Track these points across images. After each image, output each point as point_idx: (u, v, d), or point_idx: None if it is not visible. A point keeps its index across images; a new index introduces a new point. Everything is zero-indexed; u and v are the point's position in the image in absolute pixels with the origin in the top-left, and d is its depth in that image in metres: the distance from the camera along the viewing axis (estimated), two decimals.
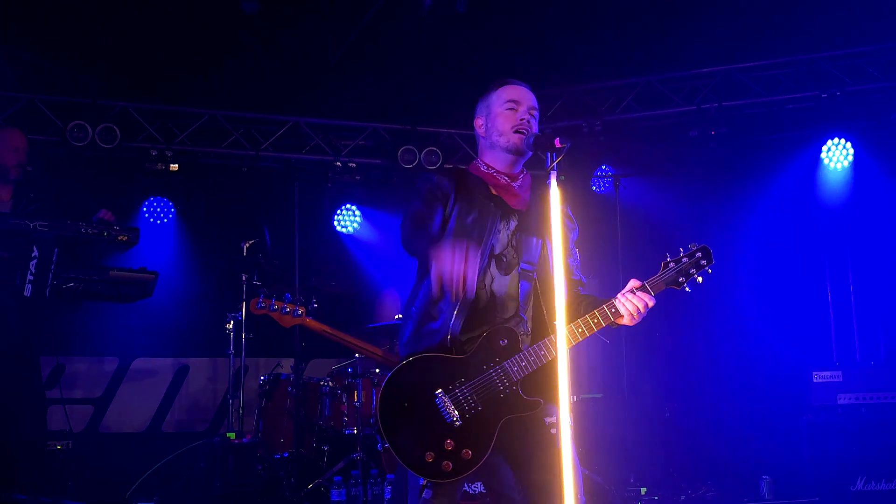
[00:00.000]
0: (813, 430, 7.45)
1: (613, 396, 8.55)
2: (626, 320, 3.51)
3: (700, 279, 3.60)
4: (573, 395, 7.46)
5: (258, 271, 8.03)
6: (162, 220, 9.48)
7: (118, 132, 8.56)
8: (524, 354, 3.47)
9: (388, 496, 6.81)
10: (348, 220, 10.18)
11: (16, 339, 6.12)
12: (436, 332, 3.51)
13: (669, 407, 8.99)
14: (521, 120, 3.61)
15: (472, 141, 9.62)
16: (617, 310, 3.50)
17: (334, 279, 9.07)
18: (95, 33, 7.98)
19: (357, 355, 7.74)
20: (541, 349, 3.47)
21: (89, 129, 8.47)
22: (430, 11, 7.45)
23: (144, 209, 9.42)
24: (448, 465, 3.40)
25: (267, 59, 8.56)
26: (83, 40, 8.08)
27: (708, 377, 8.86)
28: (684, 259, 3.59)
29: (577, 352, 8.10)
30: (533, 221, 3.66)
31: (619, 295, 3.53)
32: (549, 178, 3.12)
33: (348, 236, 10.18)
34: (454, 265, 3.18)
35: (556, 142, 3.20)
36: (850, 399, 7.50)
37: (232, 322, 7.80)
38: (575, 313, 3.60)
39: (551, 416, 3.52)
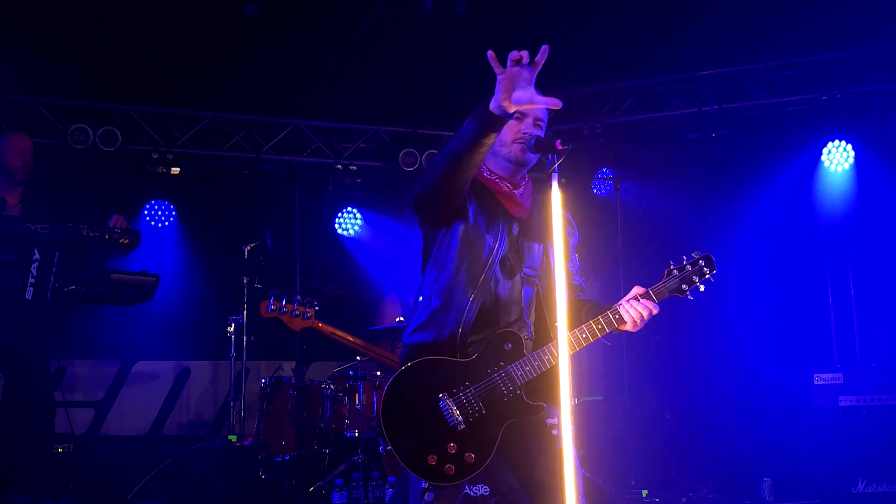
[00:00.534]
0: (814, 432, 7.45)
1: (614, 399, 8.55)
2: (629, 327, 3.54)
3: (702, 287, 3.62)
4: (574, 397, 7.46)
5: (259, 274, 8.03)
6: (163, 222, 9.49)
7: (119, 135, 8.57)
8: (528, 359, 3.48)
9: (389, 498, 6.81)
10: (349, 222, 10.19)
11: (23, 342, 6.12)
12: (447, 323, 3.50)
13: (670, 409, 8.99)
14: (524, 134, 3.57)
15: None
16: (621, 316, 3.52)
17: (335, 282, 9.08)
18: (96, 36, 7.99)
19: (359, 358, 7.75)
20: (545, 354, 3.48)
21: (90, 132, 8.48)
22: (430, 14, 7.46)
23: (146, 212, 9.43)
24: (451, 468, 3.40)
25: (268, 61, 8.57)
26: (84, 43, 8.09)
27: (708, 379, 8.86)
28: (688, 267, 3.62)
29: (578, 354, 8.06)
30: (535, 227, 3.66)
31: (622, 301, 3.55)
32: (550, 180, 3.12)
33: (349, 239, 10.19)
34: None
35: (557, 144, 3.20)
36: (850, 401, 7.50)
37: (233, 325, 7.80)
38: (575, 318, 3.61)
39: (553, 418, 3.52)
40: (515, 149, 3.58)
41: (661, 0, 7.96)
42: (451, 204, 3.51)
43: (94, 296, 6.19)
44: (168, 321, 8.98)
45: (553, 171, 3.15)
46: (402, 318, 8.10)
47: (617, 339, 8.21)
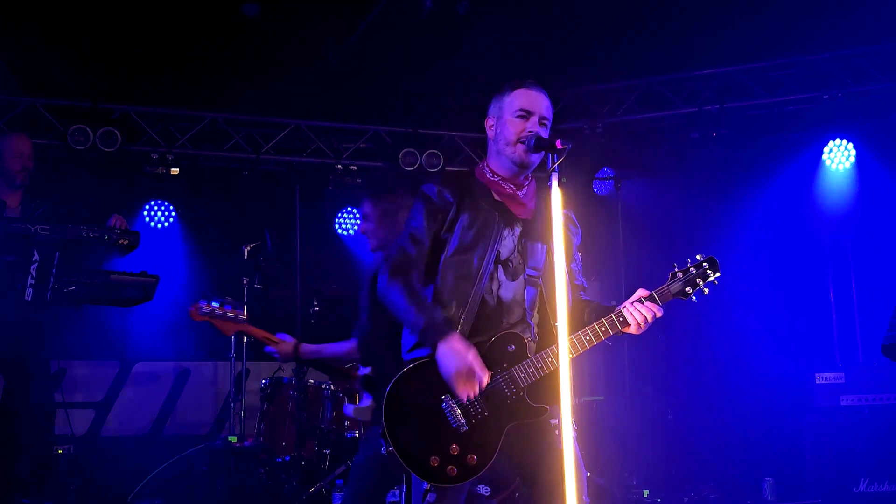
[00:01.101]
0: (815, 432, 7.45)
1: (615, 399, 8.55)
2: (632, 329, 3.53)
3: (706, 290, 3.62)
4: (575, 397, 7.45)
5: (259, 274, 8.02)
6: (163, 223, 9.49)
7: (119, 136, 8.56)
8: (531, 361, 3.46)
9: (391, 499, 6.80)
10: (350, 222, 10.17)
11: (22, 343, 6.12)
12: None
13: (671, 409, 8.97)
14: (529, 132, 3.55)
15: (473, 143, 9.66)
16: (624, 319, 3.51)
17: (336, 282, 9.05)
18: (96, 37, 7.98)
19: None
20: (548, 356, 3.46)
21: (90, 133, 8.47)
22: (431, 13, 7.44)
23: (145, 213, 9.42)
24: (453, 469, 3.39)
25: (268, 61, 8.56)
26: (84, 44, 8.08)
27: (710, 379, 8.85)
28: (692, 269, 3.61)
29: (578, 355, 8.08)
30: (538, 228, 3.64)
31: (626, 303, 3.53)
32: (550, 179, 3.11)
33: (350, 239, 10.18)
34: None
35: (558, 143, 3.20)
36: (852, 400, 7.49)
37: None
38: (578, 319, 3.60)
39: (558, 419, 3.50)
40: (520, 149, 3.55)
41: None
42: None
43: (93, 296, 6.18)
44: (168, 322, 8.95)
45: (553, 170, 3.14)
46: None
47: (618, 340, 8.11)
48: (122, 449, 8.84)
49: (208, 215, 9.59)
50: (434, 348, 3.36)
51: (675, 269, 3.62)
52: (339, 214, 10.15)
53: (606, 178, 9.37)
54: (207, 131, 9.28)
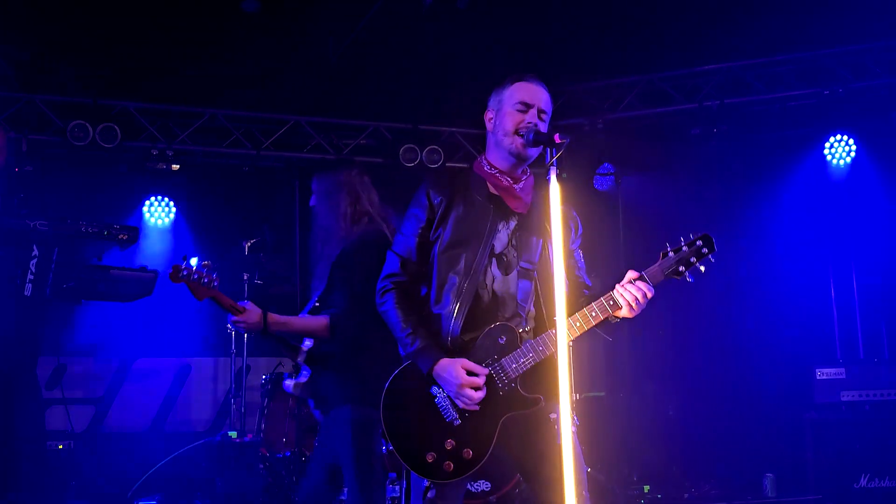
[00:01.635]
0: (816, 428, 7.45)
1: (616, 394, 8.54)
2: (624, 312, 3.48)
3: (703, 268, 3.55)
4: (575, 393, 7.45)
5: (259, 270, 8.03)
6: (163, 219, 9.48)
7: (119, 132, 8.54)
8: (522, 351, 3.46)
9: (391, 494, 6.80)
10: None
11: (14, 340, 6.10)
12: (436, 332, 3.52)
13: (672, 405, 8.98)
14: (528, 124, 3.55)
15: (473, 139, 9.64)
16: (615, 301, 3.47)
17: None
18: (96, 33, 7.97)
19: None
20: (538, 345, 3.46)
21: (90, 129, 8.45)
22: (431, 9, 7.43)
23: (145, 208, 9.41)
24: (449, 465, 3.39)
25: (267, 57, 8.55)
26: (84, 40, 8.07)
27: (711, 375, 8.85)
28: (684, 248, 3.56)
29: (579, 350, 8.06)
30: (534, 221, 3.63)
31: (617, 286, 3.51)
32: (548, 173, 3.10)
33: None
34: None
35: (556, 137, 3.18)
36: (853, 396, 7.49)
37: None
38: (574, 309, 3.59)
39: (557, 414, 3.49)
40: (518, 142, 3.54)
41: None
42: None
43: (93, 292, 6.18)
44: (168, 318, 8.96)
45: (552, 164, 3.13)
46: None
47: (619, 335, 8.20)
48: (123, 445, 8.85)
49: (208, 211, 9.58)
50: (427, 371, 3.44)
51: (668, 249, 3.59)
52: None
53: (607, 175, 9.37)
54: (207, 127, 9.26)
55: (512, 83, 3.66)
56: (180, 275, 4.31)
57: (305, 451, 7.55)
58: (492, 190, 3.65)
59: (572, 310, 3.49)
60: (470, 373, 3.40)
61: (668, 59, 8.93)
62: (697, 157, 9.15)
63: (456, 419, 3.42)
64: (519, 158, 3.60)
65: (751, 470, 7.89)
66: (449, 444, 3.40)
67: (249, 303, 4.45)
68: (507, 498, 6.78)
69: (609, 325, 3.60)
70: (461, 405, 3.40)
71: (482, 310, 3.51)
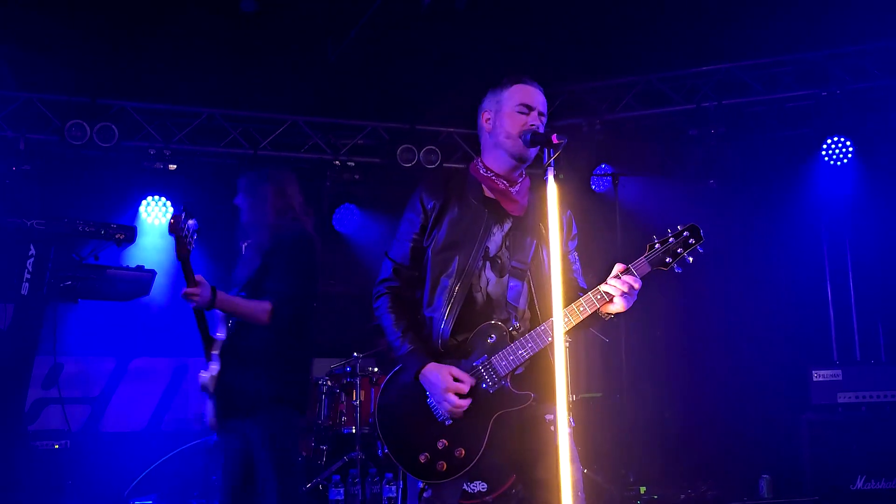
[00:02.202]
0: (812, 429, 7.45)
1: (613, 395, 8.54)
2: (616, 305, 3.48)
3: (690, 259, 3.56)
4: (572, 394, 7.46)
5: None
6: (160, 219, 9.46)
7: (116, 131, 8.54)
8: (511, 349, 3.47)
9: (388, 494, 6.81)
10: (347, 218, 10.16)
11: (16, 338, 6.11)
12: (427, 336, 3.54)
13: (669, 406, 8.98)
14: (532, 125, 3.56)
15: (471, 140, 9.63)
16: (602, 295, 3.47)
17: (333, 278, 9.06)
18: (94, 32, 7.96)
19: (356, 353, 7.74)
20: (527, 342, 3.46)
21: (88, 129, 8.45)
22: (429, 9, 7.43)
23: (142, 208, 9.40)
24: (443, 464, 3.40)
25: (265, 57, 8.54)
26: (81, 40, 8.06)
27: (707, 376, 8.84)
28: (671, 239, 3.57)
29: (576, 351, 8.09)
30: (529, 223, 3.64)
31: (608, 279, 3.50)
32: (546, 174, 3.10)
33: (347, 235, 10.16)
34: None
35: (554, 138, 3.19)
36: (849, 398, 7.49)
37: (230, 321, 7.77)
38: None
39: (552, 414, 3.50)
40: (519, 143, 3.55)
41: None
42: None
43: (90, 291, 6.18)
44: (165, 317, 8.93)
45: (549, 165, 3.13)
46: None
47: (616, 336, 8.19)
48: (119, 444, 8.83)
49: (206, 211, 9.54)
50: (414, 375, 3.48)
51: (655, 240, 3.59)
52: (337, 211, 10.13)
53: (604, 175, 9.36)
54: (205, 127, 9.26)
55: (511, 85, 3.67)
56: (178, 229, 4.30)
57: (302, 451, 7.54)
58: (487, 193, 3.65)
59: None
60: (456, 379, 3.41)
61: (666, 60, 8.93)
62: (695, 157, 9.14)
63: (448, 419, 3.43)
64: (520, 160, 3.60)
65: (747, 471, 7.88)
66: (441, 443, 3.41)
67: (202, 277, 4.48)
68: (503, 499, 6.78)
69: (604, 325, 3.59)
70: (444, 411, 3.42)
71: (475, 312, 3.52)
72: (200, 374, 4.61)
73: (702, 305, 8.71)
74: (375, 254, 9.89)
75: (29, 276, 5.76)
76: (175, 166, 8.98)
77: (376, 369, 7.83)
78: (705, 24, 8.16)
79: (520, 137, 3.54)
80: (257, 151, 9.27)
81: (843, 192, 8.86)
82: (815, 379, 7.57)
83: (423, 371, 3.44)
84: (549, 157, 3.15)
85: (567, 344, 3.46)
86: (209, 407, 4.53)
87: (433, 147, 9.38)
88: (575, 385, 7.81)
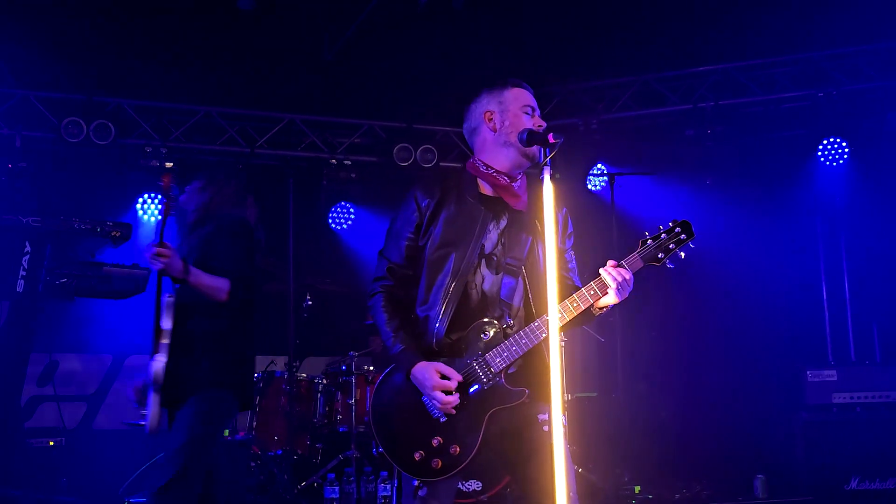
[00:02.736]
0: (807, 429, 7.46)
1: (608, 395, 8.55)
2: (609, 297, 3.49)
3: (682, 254, 3.57)
4: (567, 393, 7.46)
5: None
6: (156, 216, 9.46)
7: (113, 129, 8.53)
8: (505, 345, 3.47)
9: (382, 493, 6.81)
10: (343, 217, 10.16)
11: (5, 336, 6.10)
12: (421, 334, 3.55)
13: (664, 405, 8.99)
14: (539, 127, 3.57)
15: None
16: (596, 291, 3.48)
17: (329, 277, 9.06)
18: (90, 30, 7.96)
19: (351, 352, 7.74)
20: (521, 338, 3.47)
21: (84, 126, 8.44)
22: (426, 9, 7.44)
23: (139, 205, 9.39)
24: (437, 462, 3.40)
25: (262, 55, 8.54)
26: (78, 37, 8.06)
27: (702, 376, 8.86)
28: (663, 235, 3.58)
29: (571, 350, 8.09)
30: (526, 220, 3.64)
31: (600, 270, 3.51)
32: (542, 173, 3.11)
33: (343, 234, 10.17)
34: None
35: (550, 137, 3.19)
36: (844, 398, 7.51)
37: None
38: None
39: (545, 415, 3.50)
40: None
41: None
42: None
43: (86, 288, 6.17)
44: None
45: (545, 164, 3.13)
46: None
47: (611, 336, 8.20)
48: (114, 441, 8.81)
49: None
50: (405, 373, 3.49)
51: (647, 236, 3.60)
52: (333, 209, 10.14)
53: (601, 175, 9.38)
54: (202, 125, 9.26)
55: (511, 87, 3.70)
56: (169, 196, 4.25)
57: (297, 450, 7.55)
58: (484, 190, 3.65)
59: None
60: (444, 376, 3.42)
61: (662, 60, 8.95)
62: (691, 158, 9.16)
63: (442, 416, 3.43)
64: (529, 157, 3.60)
65: (742, 471, 7.89)
66: (436, 441, 3.42)
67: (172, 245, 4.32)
68: (497, 497, 6.78)
69: (600, 324, 3.61)
70: (434, 408, 3.43)
71: (470, 310, 3.53)
72: (150, 365, 4.44)
73: (697, 305, 8.72)
74: (371, 253, 9.83)
75: (24, 274, 5.76)
76: (171, 164, 8.95)
77: (371, 368, 7.84)
78: (702, 24, 8.17)
79: (518, 137, 3.55)
80: (254, 149, 9.27)
81: (839, 192, 8.89)
82: (809, 379, 7.59)
83: (413, 370, 3.46)
84: (546, 157, 3.15)
85: (562, 343, 3.45)
86: (153, 402, 4.32)
87: (430, 146, 9.38)
88: (570, 384, 7.81)
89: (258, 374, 8.08)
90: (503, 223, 3.62)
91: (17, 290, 5.76)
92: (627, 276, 3.47)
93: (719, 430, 8.53)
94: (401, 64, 8.70)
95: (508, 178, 3.63)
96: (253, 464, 7.15)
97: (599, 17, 8.08)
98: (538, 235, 3.60)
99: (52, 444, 7.12)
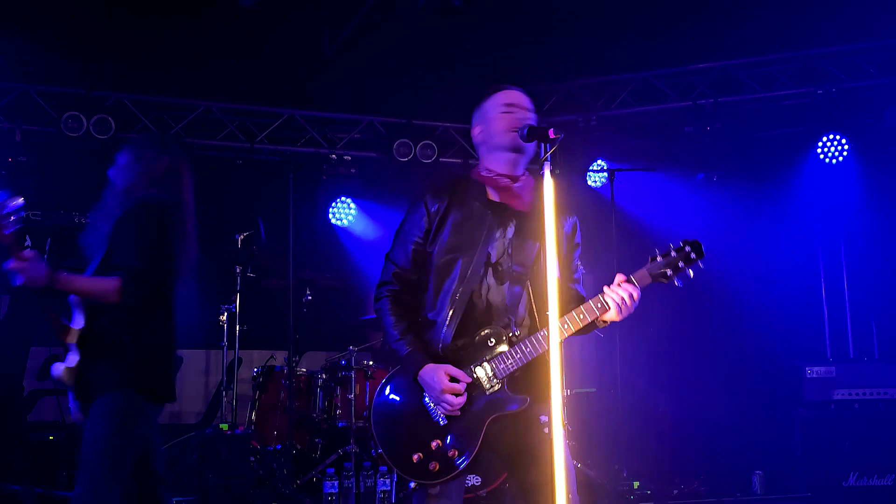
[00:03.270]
0: (806, 426, 7.47)
1: (606, 391, 8.55)
2: (612, 314, 3.49)
3: (691, 273, 3.56)
4: (566, 389, 7.47)
5: (252, 263, 8.03)
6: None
7: (113, 123, 8.53)
8: (510, 352, 3.47)
9: (382, 487, 6.82)
10: (343, 212, 10.17)
11: (4, 330, 6.10)
12: (428, 339, 3.55)
13: (662, 401, 9.00)
14: (519, 119, 3.58)
15: (468, 135, 9.60)
16: (603, 304, 3.47)
17: (328, 272, 9.07)
18: (91, 24, 7.95)
19: (351, 347, 7.75)
20: (526, 346, 3.47)
21: (84, 120, 8.44)
22: (426, 4, 7.44)
23: None
24: (435, 465, 3.42)
25: (263, 51, 8.54)
26: (78, 31, 8.05)
27: (701, 372, 8.87)
28: (673, 254, 3.55)
29: (569, 346, 8.08)
30: (533, 225, 3.62)
31: (605, 288, 3.51)
32: (542, 168, 3.11)
33: (343, 229, 10.18)
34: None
35: (550, 132, 3.18)
36: (843, 394, 7.52)
37: (226, 314, 7.80)
38: (564, 313, 3.59)
39: (546, 416, 3.50)
40: (512, 135, 3.56)
41: None
42: None
43: None
44: None
45: (545, 160, 3.13)
46: None
47: (610, 332, 8.16)
48: None
49: (201, 204, 9.53)
50: (412, 376, 3.49)
51: (657, 254, 3.59)
52: (333, 204, 10.14)
53: (600, 171, 9.38)
54: (202, 120, 9.26)
55: (491, 94, 3.73)
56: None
57: (297, 444, 7.56)
58: (490, 195, 3.65)
59: (562, 313, 3.49)
60: (453, 379, 3.42)
61: (662, 57, 8.95)
62: (691, 154, 9.16)
63: (443, 420, 3.45)
64: (517, 151, 3.60)
65: (740, 467, 7.91)
66: (435, 444, 3.43)
67: (36, 252, 3.99)
68: (496, 492, 6.80)
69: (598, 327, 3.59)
70: (442, 410, 3.44)
71: (476, 317, 3.53)
72: (54, 366, 4.22)
73: (696, 301, 8.72)
74: (371, 248, 9.90)
75: None
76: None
77: (371, 363, 7.85)
78: (702, 21, 8.18)
79: (510, 132, 3.56)
80: (254, 144, 9.27)
81: (838, 189, 8.89)
82: (808, 376, 7.59)
83: (420, 372, 3.46)
84: (546, 152, 3.16)
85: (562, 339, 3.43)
86: (70, 397, 4.16)
87: (429, 142, 9.37)
88: (569, 380, 7.82)
89: (257, 368, 8.10)
90: (511, 229, 3.61)
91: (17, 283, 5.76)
92: (636, 294, 3.47)
93: (718, 425, 8.55)
94: (400, 59, 8.70)
95: (510, 178, 3.64)
96: (252, 458, 7.15)
97: (598, 14, 8.08)
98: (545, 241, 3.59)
99: (51, 437, 7.12)
